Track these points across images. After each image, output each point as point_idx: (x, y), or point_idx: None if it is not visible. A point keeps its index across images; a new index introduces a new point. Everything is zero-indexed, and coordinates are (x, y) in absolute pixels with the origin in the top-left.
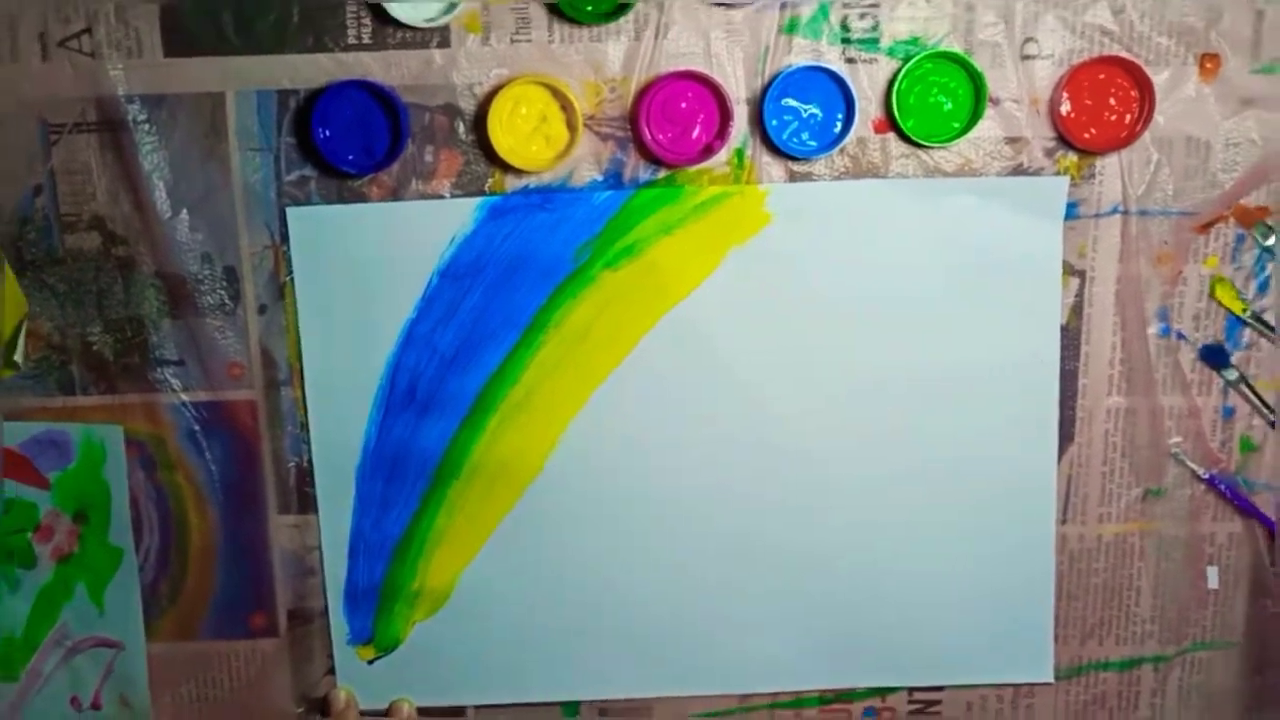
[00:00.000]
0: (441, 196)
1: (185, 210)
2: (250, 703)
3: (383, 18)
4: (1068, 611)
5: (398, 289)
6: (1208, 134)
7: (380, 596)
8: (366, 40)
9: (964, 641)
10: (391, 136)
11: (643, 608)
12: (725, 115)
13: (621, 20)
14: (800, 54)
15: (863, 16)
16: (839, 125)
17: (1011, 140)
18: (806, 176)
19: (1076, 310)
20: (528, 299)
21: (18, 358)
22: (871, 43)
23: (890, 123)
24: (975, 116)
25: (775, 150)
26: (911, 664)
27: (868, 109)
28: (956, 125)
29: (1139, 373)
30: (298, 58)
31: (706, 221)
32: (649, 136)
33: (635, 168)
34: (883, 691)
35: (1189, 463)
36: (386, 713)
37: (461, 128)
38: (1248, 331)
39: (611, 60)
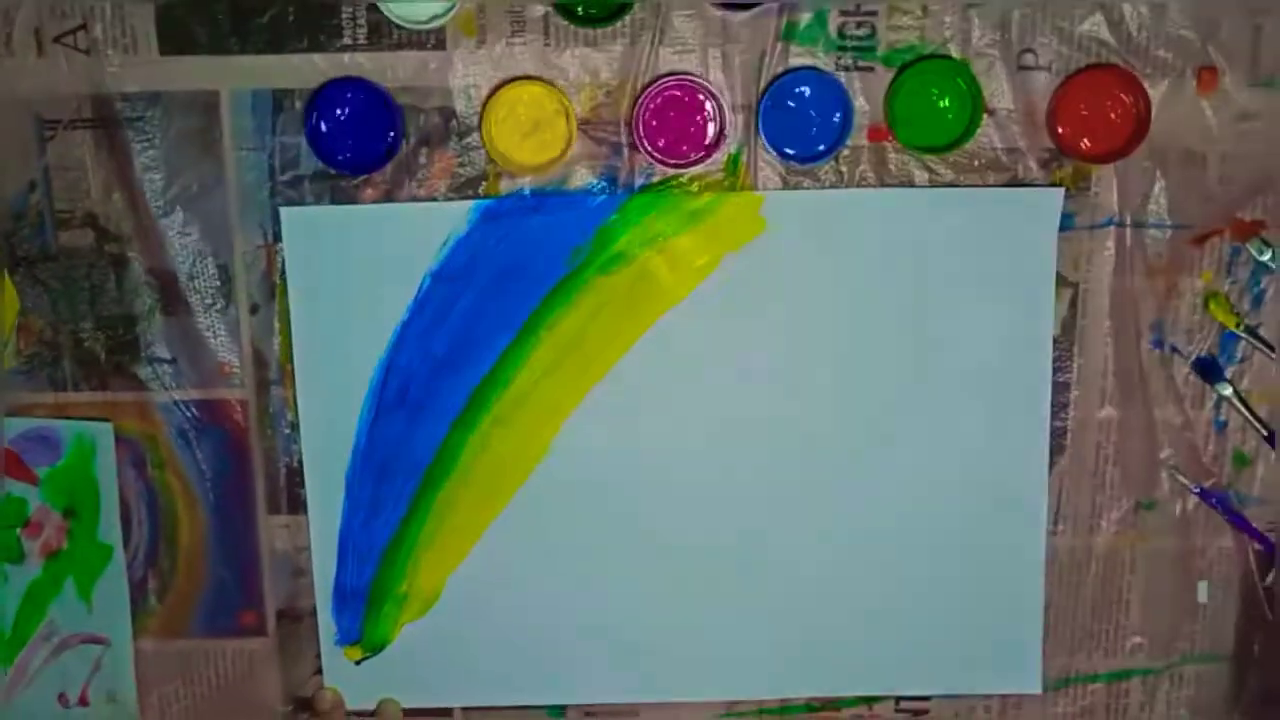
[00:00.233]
0: (436, 198)
1: (179, 208)
2: (238, 701)
3: (379, 18)
4: (1057, 623)
5: (390, 290)
6: (1204, 147)
7: (369, 597)
8: (362, 41)
9: (952, 651)
10: (386, 138)
11: (631, 613)
12: (721, 121)
13: (619, 24)
14: (797, 60)
15: (860, 24)
16: (835, 133)
17: (1007, 150)
18: (802, 184)
19: (1070, 322)
20: (521, 302)
21: (9, 354)
22: (868, 50)
23: (886, 131)
24: (971, 126)
25: (771, 157)
26: (899, 673)
27: (864, 117)
28: (952, 134)
29: (1131, 385)
30: (293, 57)
31: (701, 227)
32: (645, 141)
33: (630, 172)
34: (870, 700)
35: (1181, 476)
36: (374, 713)
37: (456, 130)
38: (1242, 345)
39: (608, 64)
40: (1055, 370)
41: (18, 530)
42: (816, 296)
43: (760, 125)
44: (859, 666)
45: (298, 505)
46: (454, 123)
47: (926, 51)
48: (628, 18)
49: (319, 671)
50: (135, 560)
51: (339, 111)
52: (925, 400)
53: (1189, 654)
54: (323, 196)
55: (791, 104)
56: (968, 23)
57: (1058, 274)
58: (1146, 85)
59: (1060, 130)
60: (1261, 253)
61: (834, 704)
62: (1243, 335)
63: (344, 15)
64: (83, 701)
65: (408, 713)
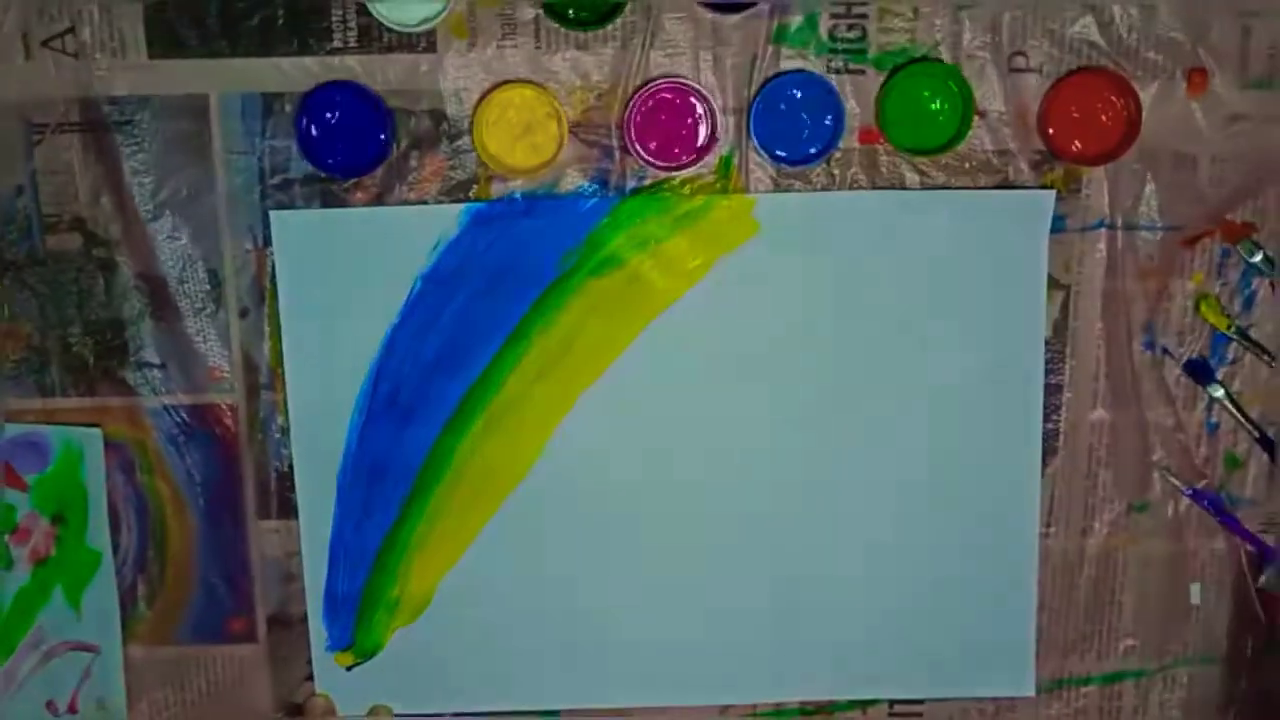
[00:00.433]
0: (426, 202)
1: (168, 212)
2: (228, 708)
3: (369, 21)
4: (1050, 625)
5: (381, 294)
6: (1195, 149)
7: (360, 603)
8: (352, 44)
9: (945, 654)
10: (377, 141)
11: (624, 616)
12: (713, 124)
13: (609, 27)
14: (788, 63)
15: (851, 27)
16: (826, 135)
17: (998, 153)
18: (793, 186)
19: (1061, 324)
20: (512, 306)
21: None
22: (859, 53)
23: (877, 133)
24: (962, 128)
25: (762, 159)
26: (892, 676)
27: (855, 119)
28: (943, 137)
29: (1123, 387)
30: (283, 60)
31: (693, 230)
32: (636, 144)
33: (622, 175)
34: (863, 704)
35: (1173, 478)
36: None
37: (447, 133)
38: (1233, 347)
39: (599, 67)
40: (1047, 372)
41: (6, 537)
42: (809, 299)
43: (752, 128)
44: (852, 670)
45: (288, 510)
46: (445, 126)
47: (917, 54)
48: (619, 20)
49: (310, 678)
50: (124, 566)
51: (329, 115)
52: (917, 403)
53: (1182, 656)
54: (313, 200)
55: (783, 106)
56: (959, 25)
57: (1049, 276)
58: (1137, 87)
59: (1051, 132)
60: (1252, 254)
61: (827, 708)
62: (1234, 337)
63: (334, 18)
64: (72, 709)
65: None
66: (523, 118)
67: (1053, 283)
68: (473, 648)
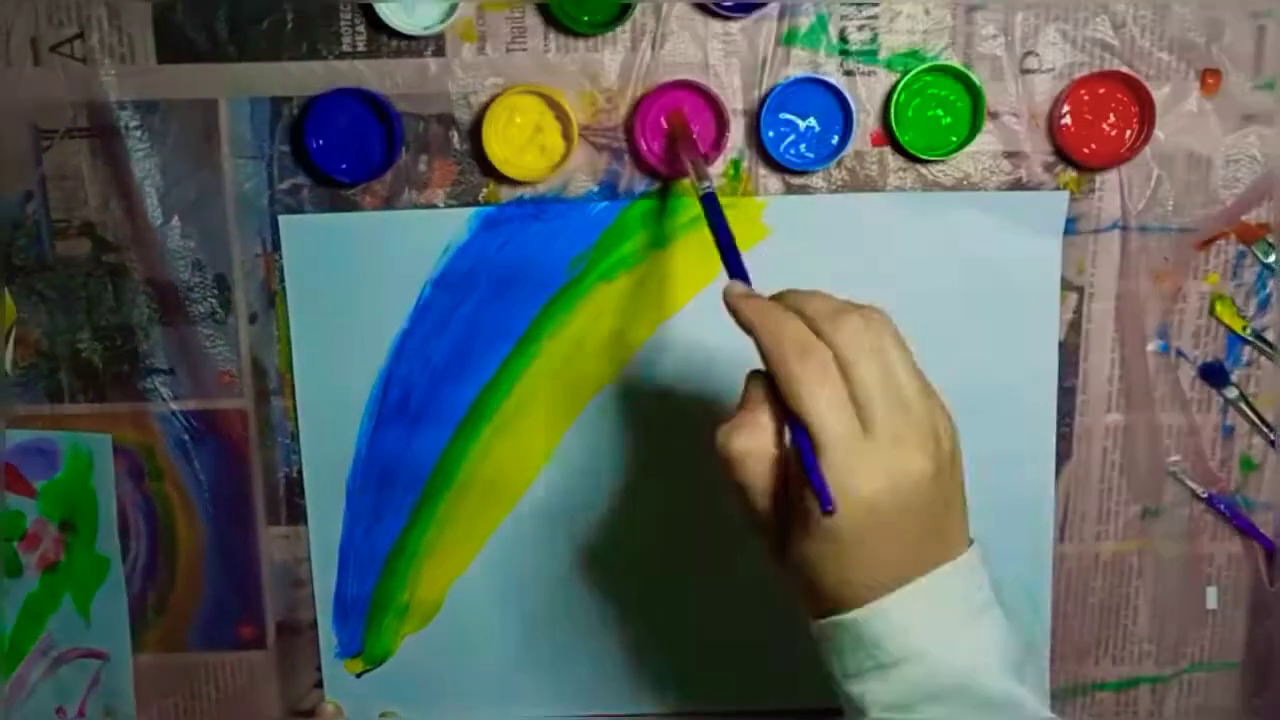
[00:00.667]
0: (435, 206)
1: (177, 217)
2: (237, 715)
3: (377, 25)
4: (1064, 631)
5: (390, 299)
6: (1209, 150)
7: (370, 609)
8: (361, 48)
9: None
10: (385, 145)
11: (635, 621)
12: (722, 127)
13: (618, 30)
14: (798, 65)
15: (861, 28)
16: (836, 138)
17: (1010, 154)
18: (803, 189)
19: (1075, 327)
20: (521, 310)
21: (6, 365)
22: (870, 55)
23: (888, 136)
24: (974, 130)
25: (772, 163)
26: None
27: (865, 122)
28: (955, 139)
29: (1138, 390)
30: (291, 65)
31: (702, 233)
32: (645, 148)
33: (631, 179)
34: None
35: (1188, 481)
36: None
37: (456, 137)
38: (1248, 349)
39: (608, 70)
40: (1061, 376)
41: (15, 543)
42: None
43: (761, 131)
44: None
45: (297, 516)
46: (453, 130)
47: (928, 55)
48: (628, 23)
49: (319, 685)
50: (133, 573)
51: (338, 119)
52: None
53: (1198, 661)
54: (322, 205)
55: (793, 109)
56: (970, 26)
57: (1062, 278)
58: (1150, 88)
59: (1064, 134)
60: (1267, 255)
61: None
62: (1249, 339)
63: (342, 22)
64: (81, 716)
65: None
66: (531, 121)
67: (1066, 285)
68: (483, 654)
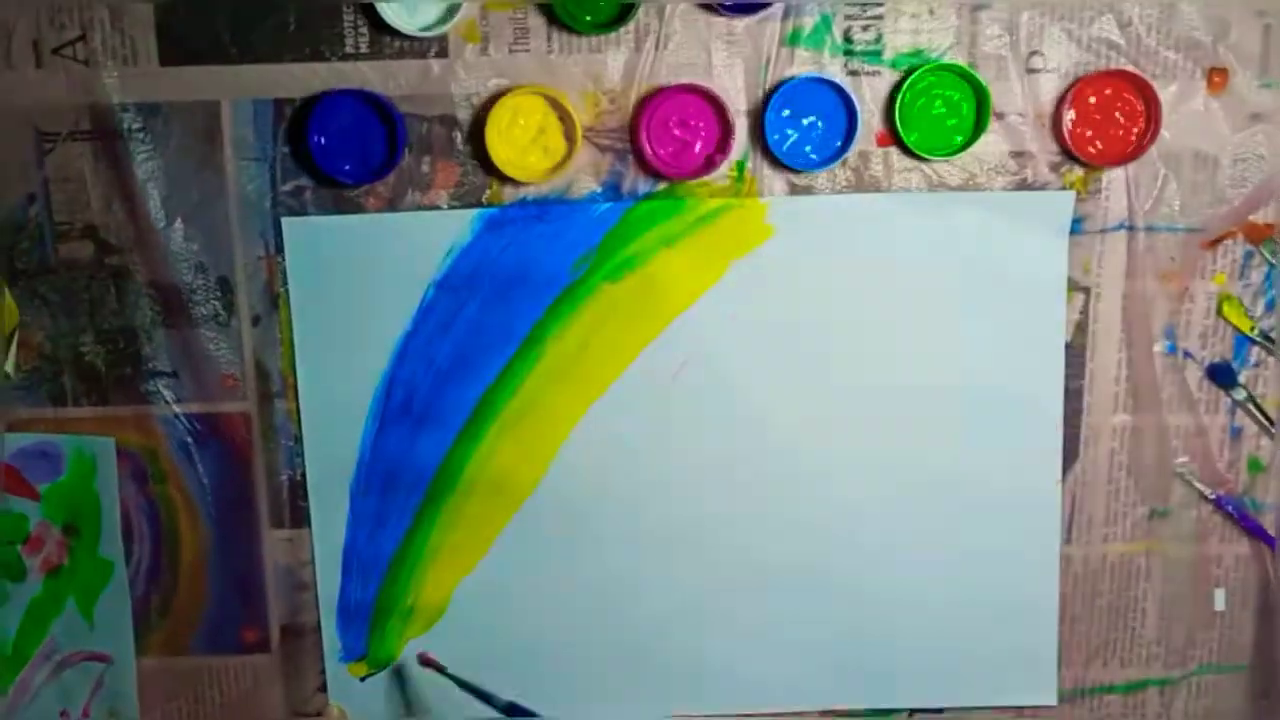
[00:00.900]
0: (438, 207)
1: (179, 220)
2: (241, 719)
3: (380, 26)
4: (1072, 633)
5: (393, 300)
6: (1215, 149)
7: (374, 612)
8: (364, 49)
9: (966, 663)
10: (388, 146)
11: (641, 625)
12: (726, 127)
13: (621, 31)
14: (802, 65)
15: (866, 28)
16: (841, 138)
17: (1016, 154)
18: (808, 189)
19: (1081, 327)
20: (525, 311)
21: (9, 368)
22: (874, 55)
23: (893, 136)
24: (979, 130)
25: (776, 163)
26: (913, 685)
27: (870, 122)
28: (960, 139)
29: (1145, 391)
30: (294, 66)
31: (706, 234)
32: (649, 149)
33: (634, 180)
34: (884, 713)
35: (1195, 483)
36: None
37: (459, 138)
38: (1255, 350)
39: (611, 71)
40: (1067, 377)
41: (18, 547)
42: (824, 303)
43: (765, 131)
44: (872, 679)
45: (300, 518)
46: (456, 131)
47: (933, 55)
48: (631, 24)
49: (323, 688)
50: (137, 576)
51: (340, 121)
52: (936, 408)
53: (1206, 663)
54: (324, 206)
55: (797, 109)
56: (975, 26)
57: (1069, 278)
58: (1156, 87)
59: (1070, 133)
60: (1274, 255)
61: (847, 716)
62: (1256, 340)
63: (345, 23)
64: (85, 718)
65: None
66: (535, 122)
67: (1072, 285)
68: (488, 658)
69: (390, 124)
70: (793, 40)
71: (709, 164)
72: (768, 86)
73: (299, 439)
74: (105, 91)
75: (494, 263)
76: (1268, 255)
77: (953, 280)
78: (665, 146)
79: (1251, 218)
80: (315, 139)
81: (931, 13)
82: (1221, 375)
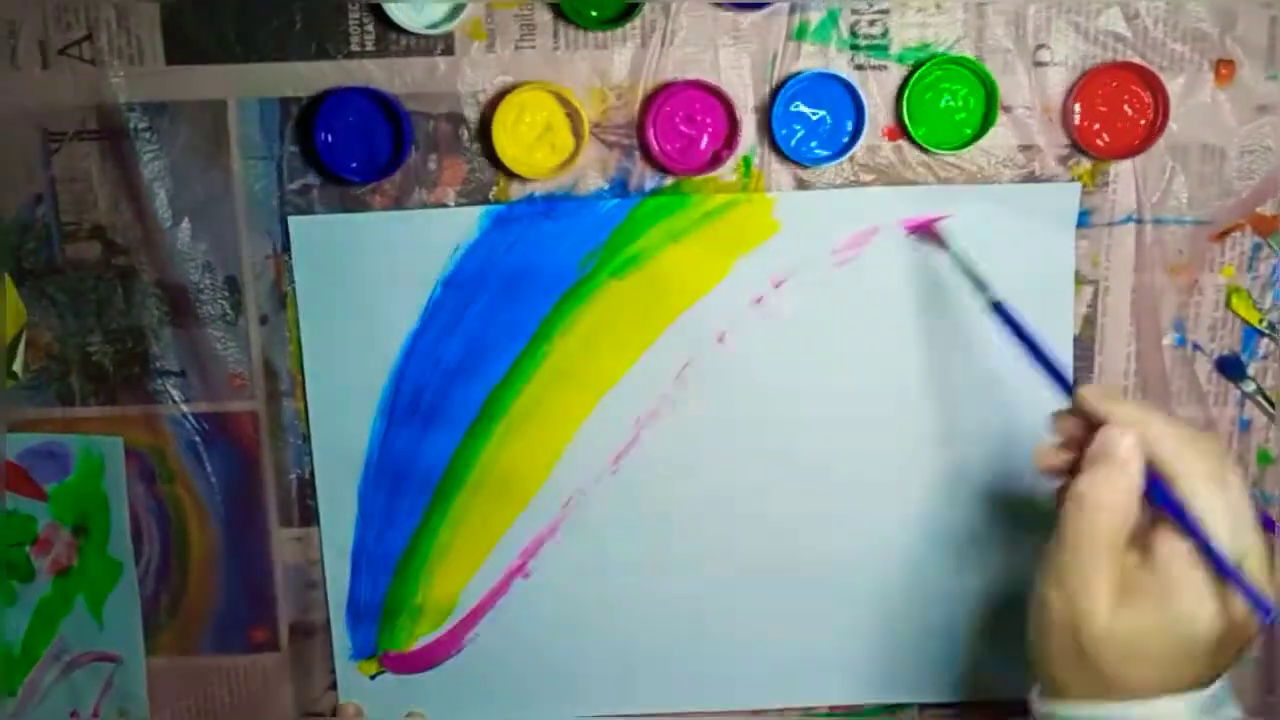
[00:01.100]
0: (445, 205)
1: (186, 219)
2: (251, 718)
3: (386, 24)
4: None
5: (401, 299)
6: (1223, 141)
7: (383, 610)
8: (369, 47)
9: (975, 658)
10: (394, 144)
11: (650, 621)
12: (733, 123)
13: (627, 26)
14: (809, 60)
15: (872, 23)
16: (848, 133)
17: (1024, 147)
18: (815, 184)
19: (1090, 320)
20: (533, 308)
21: (17, 368)
22: (881, 49)
23: (900, 130)
24: (987, 123)
25: (784, 158)
26: (923, 680)
27: (878, 116)
28: (968, 132)
29: (1154, 384)
30: (300, 65)
31: (713, 230)
32: (656, 145)
33: (641, 176)
34: (894, 708)
35: None
36: None
37: (465, 135)
38: (1264, 342)
39: (617, 67)
40: (1076, 370)
41: (27, 548)
42: (831, 299)
43: (773, 126)
44: (881, 674)
45: (309, 517)
46: (463, 128)
47: (940, 49)
48: (637, 19)
49: (333, 687)
50: (146, 576)
51: (347, 119)
52: (943, 404)
53: None
54: (331, 205)
55: (804, 104)
56: (982, 19)
57: (1077, 272)
58: (1164, 79)
59: (1077, 126)
60: None
61: (857, 712)
62: (1265, 332)
63: (351, 21)
64: (94, 719)
65: None
66: (541, 119)
67: (1080, 278)
68: (499, 656)
69: (396, 122)
70: (799, 35)
71: (716, 160)
72: (774, 82)
73: (307, 438)
74: (111, 91)
75: (501, 260)
76: (1276, 247)
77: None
78: (672, 142)
79: (1259, 210)
80: (322, 137)
81: (938, 7)
82: (1230, 367)
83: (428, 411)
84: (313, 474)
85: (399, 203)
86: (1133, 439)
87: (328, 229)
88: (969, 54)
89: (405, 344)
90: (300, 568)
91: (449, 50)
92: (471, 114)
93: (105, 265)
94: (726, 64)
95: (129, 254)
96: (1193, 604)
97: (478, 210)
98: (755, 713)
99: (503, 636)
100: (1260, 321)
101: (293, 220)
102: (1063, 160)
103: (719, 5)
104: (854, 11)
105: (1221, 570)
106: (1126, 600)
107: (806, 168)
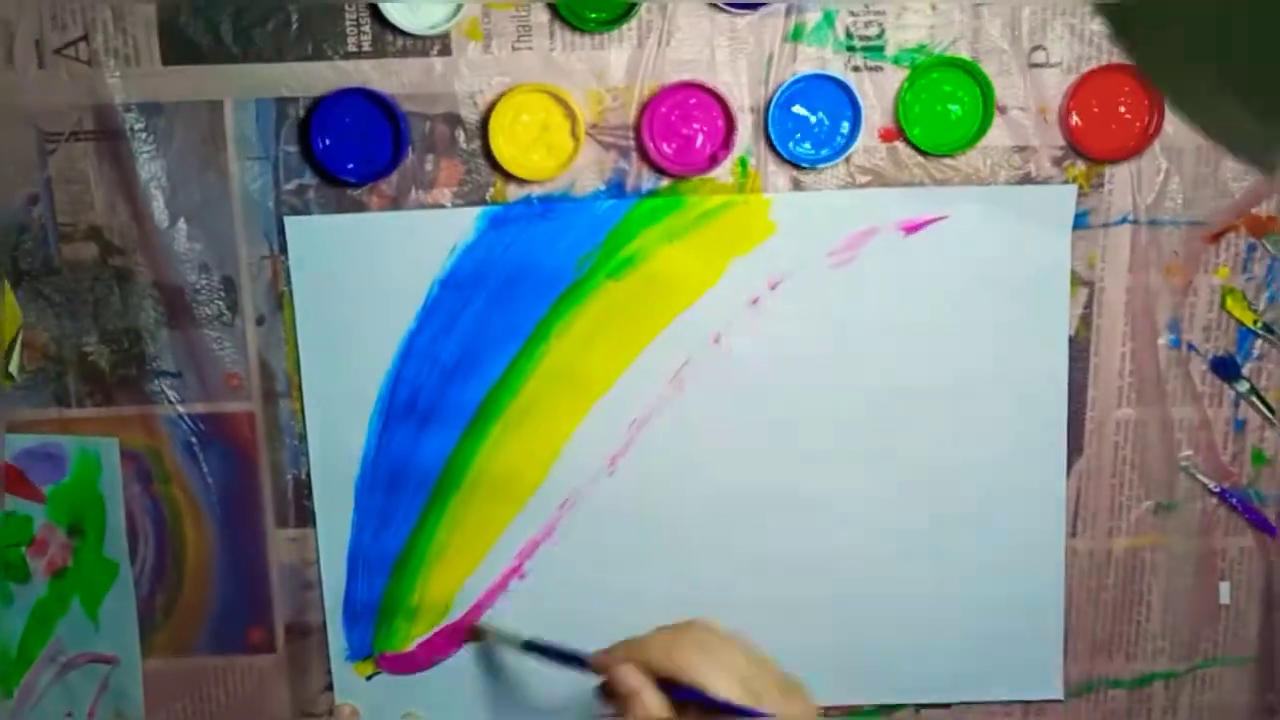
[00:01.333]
0: (442, 206)
1: (183, 220)
2: (247, 719)
3: (383, 25)
4: (1077, 627)
5: (398, 299)
6: None
7: (379, 611)
8: (366, 48)
9: (972, 658)
10: (392, 145)
11: (646, 621)
12: (729, 124)
13: (624, 28)
14: (805, 62)
15: (869, 24)
16: (845, 134)
17: (1019, 149)
18: (811, 185)
19: (1086, 321)
20: (529, 309)
21: (13, 369)
22: (877, 50)
23: (897, 131)
24: (983, 125)
25: (780, 159)
26: (919, 681)
27: (874, 117)
28: (964, 134)
29: (1149, 384)
30: (297, 65)
31: (709, 231)
32: (652, 146)
33: (638, 177)
34: (890, 709)
35: (1200, 476)
36: None
37: (462, 136)
38: (1259, 343)
39: (614, 68)
40: (1072, 370)
41: (23, 548)
42: (827, 299)
43: (769, 127)
44: (878, 675)
45: (306, 518)
46: (460, 129)
47: (936, 50)
48: (634, 21)
49: (329, 688)
50: (142, 577)
51: (343, 120)
52: (940, 403)
53: (1211, 656)
54: (328, 206)
55: (800, 105)
56: (978, 21)
57: (1072, 272)
58: None
59: (1073, 128)
60: (1277, 248)
61: (854, 712)
62: (1259, 332)
63: (348, 22)
64: None
65: None
66: (538, 120)
67: (1076, 279)
68: (497, 654)
69: (394, 123)
70: (795, 36)
71: (712, 161)
72: (771, 83)
73: (304, 438)
74: (108, 91)
75: (498, 261)
76: (1270, 248)
77: (956, 275)
78: (669, 143)
79: (1254, 211)
80: (318, 138)
81: (934, 8)
82: (1225, 368)
83: (424, 412)
84: (309, 475)
85: (396, 203)
86: (633, 674)
87: (324, 230)
88: (965, 55)
89: (402, 345)
90: (296, 568)
91: (446, 51)
92: (469, 115)
93: (101, 266)
94: (723, 65)
95: (125, 254)
96: None
97: (475, 211)
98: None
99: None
100: (1255, 322)
101: (289, 221)
102: (1058, 162)
103: (715, 7)
104: (850, 13)
105: (745, 713)
106: None
107: (803, 169)
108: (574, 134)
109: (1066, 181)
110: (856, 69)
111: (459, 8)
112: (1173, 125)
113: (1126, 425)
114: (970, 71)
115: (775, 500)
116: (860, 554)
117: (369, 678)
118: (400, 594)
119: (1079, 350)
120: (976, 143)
